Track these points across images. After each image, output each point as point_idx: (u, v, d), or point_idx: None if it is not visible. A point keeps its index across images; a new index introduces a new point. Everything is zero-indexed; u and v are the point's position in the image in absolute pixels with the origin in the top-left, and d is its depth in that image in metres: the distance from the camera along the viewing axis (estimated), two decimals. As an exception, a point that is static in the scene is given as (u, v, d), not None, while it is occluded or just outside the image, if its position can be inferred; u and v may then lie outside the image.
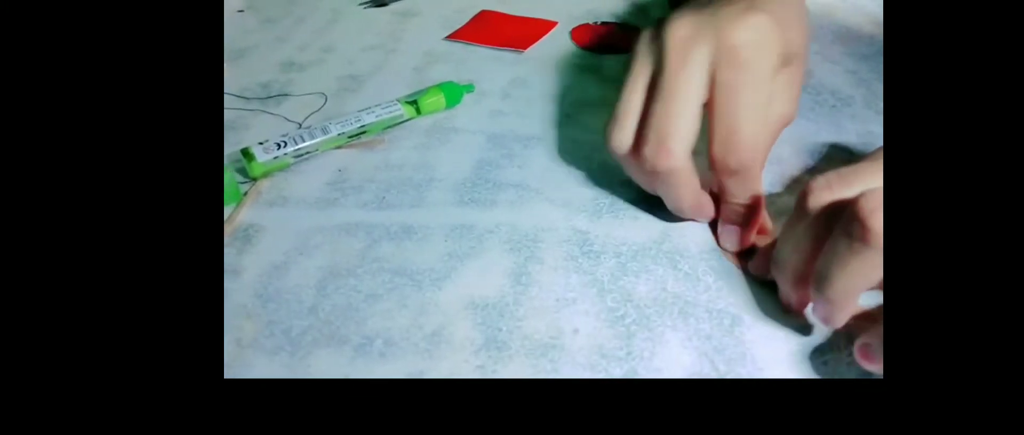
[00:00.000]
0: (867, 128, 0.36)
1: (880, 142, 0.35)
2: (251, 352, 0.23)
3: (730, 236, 0.27)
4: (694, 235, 0.29)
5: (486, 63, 0.44)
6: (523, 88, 0.41)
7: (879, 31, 0.48)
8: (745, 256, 0.27)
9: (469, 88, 0.39)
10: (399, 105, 0.36)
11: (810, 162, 0.33)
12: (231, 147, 0.34)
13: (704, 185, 0.27)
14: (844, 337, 0.24)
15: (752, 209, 0.26)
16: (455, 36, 0.47)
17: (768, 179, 0.32)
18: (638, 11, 0.51)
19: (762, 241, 0.27)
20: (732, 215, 0.27)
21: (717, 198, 0.28)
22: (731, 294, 0.26)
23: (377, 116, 0.35)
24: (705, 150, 0.26)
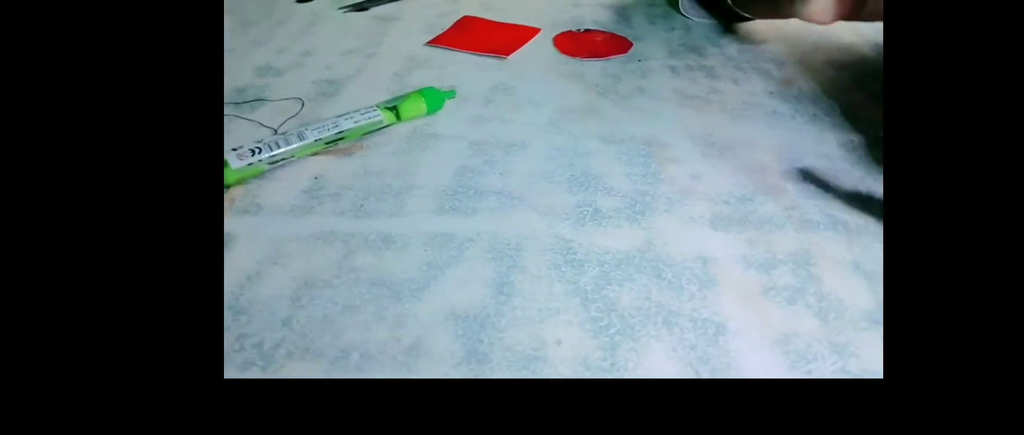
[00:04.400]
0: (848, 137, 0.36)
1: (860, 150, 0.35)
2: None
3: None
4: (678, 243, 0.28)
5: (468, 69, 0.43)
6: (506, 94, 0.40)
7: (858, 40, 0.48)
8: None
9: (451, 94, 0.39)
10: (378, 111, 0.35)
11: (791, 169, 0.33)
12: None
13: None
14: (827, 345, 0.23)
15: None
16: (437, 41, 0.47)
17: (750, 187, 0.32)
18: (621, 19, 0.51)
19: None
20: None
21: None
22: (715, 303, 0.25)
23: (355, 122, 0.34)
24: None
